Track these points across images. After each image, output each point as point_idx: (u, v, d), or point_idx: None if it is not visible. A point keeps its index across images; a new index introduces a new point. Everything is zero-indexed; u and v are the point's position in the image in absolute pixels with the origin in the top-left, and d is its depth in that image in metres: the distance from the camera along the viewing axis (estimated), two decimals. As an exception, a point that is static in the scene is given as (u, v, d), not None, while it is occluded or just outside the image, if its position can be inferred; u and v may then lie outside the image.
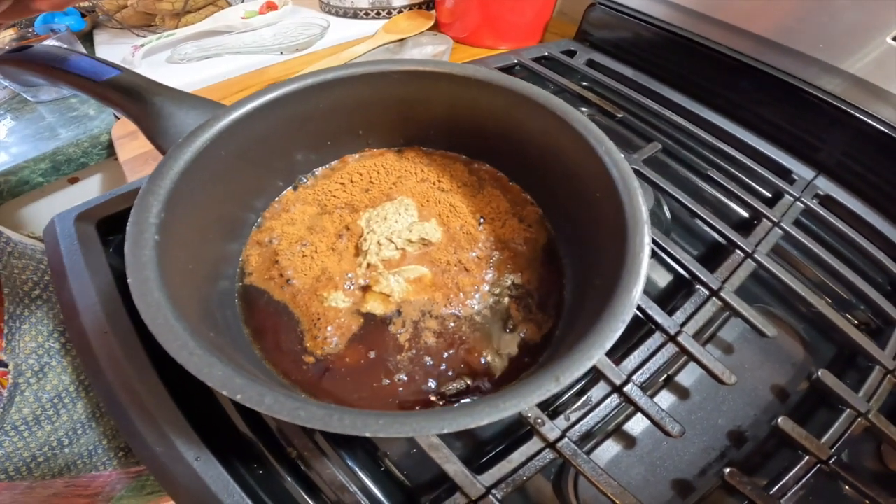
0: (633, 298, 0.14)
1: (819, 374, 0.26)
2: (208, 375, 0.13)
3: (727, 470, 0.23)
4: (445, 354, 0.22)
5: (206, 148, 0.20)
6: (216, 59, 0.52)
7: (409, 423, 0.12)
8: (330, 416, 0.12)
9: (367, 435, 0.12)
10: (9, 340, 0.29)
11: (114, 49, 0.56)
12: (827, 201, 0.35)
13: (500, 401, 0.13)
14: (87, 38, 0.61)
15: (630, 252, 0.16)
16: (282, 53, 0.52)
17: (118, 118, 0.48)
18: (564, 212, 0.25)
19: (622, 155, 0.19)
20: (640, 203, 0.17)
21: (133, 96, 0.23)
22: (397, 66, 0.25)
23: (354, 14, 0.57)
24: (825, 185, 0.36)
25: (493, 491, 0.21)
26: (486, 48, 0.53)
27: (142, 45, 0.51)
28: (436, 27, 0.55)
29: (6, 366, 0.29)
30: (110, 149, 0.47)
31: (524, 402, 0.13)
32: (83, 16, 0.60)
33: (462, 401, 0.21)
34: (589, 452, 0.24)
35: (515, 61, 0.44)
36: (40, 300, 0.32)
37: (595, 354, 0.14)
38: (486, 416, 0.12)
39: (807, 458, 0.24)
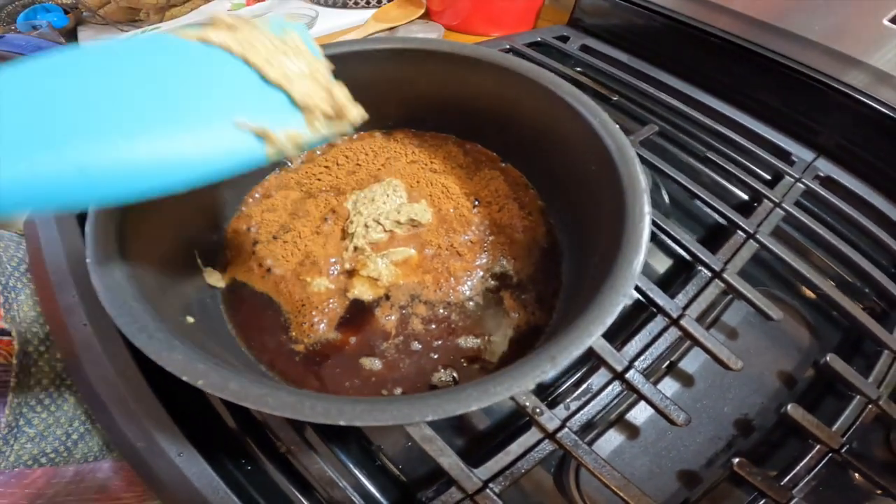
0: (634, 270, 0.13)
1: (827, 358, 0.25)
2: (167, 360, 0.12)
3: (736, 460, 0.22)
4: (436, 343, 0.21)
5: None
6: (202, 52, 0.50)
7: (390, 409, 0.11)
8: (301, 403, 0.11)
9: (342, 423, 0.11)
10: (7, 309, 0.28)
11: (97, 44, 0.55)
12: (828, 183, 0.35)
13: (490, 384, 0.11)
14: (72, 35, 0.59)
15: (629, 222, 0.15)
16: (269, 45, 0.51)
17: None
18: (561, 191, 0.24)
19: (617, 126, 0.18)
20: (637, 172, 0.16)
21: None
22: (382, 44, 0.24)
23: (343, 3, 0.56)
24: (825, 167, 0.35)
25: (491, 484, 0.20)
26: (479, 35, 0.52)
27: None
28: (426, 15, 0.54)
29: (8, 334, 0.28)
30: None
31: (517, 384, 0.11)
32: (66, 12, 0.58)
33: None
34: (591, 443, 0.23)
35: (508, 47, 0.43)
36: (29, 275, 0.31)
37: (595, 331, 0.12)
38: (475, 401, 0.11)
39: (818, 446, 0.22)
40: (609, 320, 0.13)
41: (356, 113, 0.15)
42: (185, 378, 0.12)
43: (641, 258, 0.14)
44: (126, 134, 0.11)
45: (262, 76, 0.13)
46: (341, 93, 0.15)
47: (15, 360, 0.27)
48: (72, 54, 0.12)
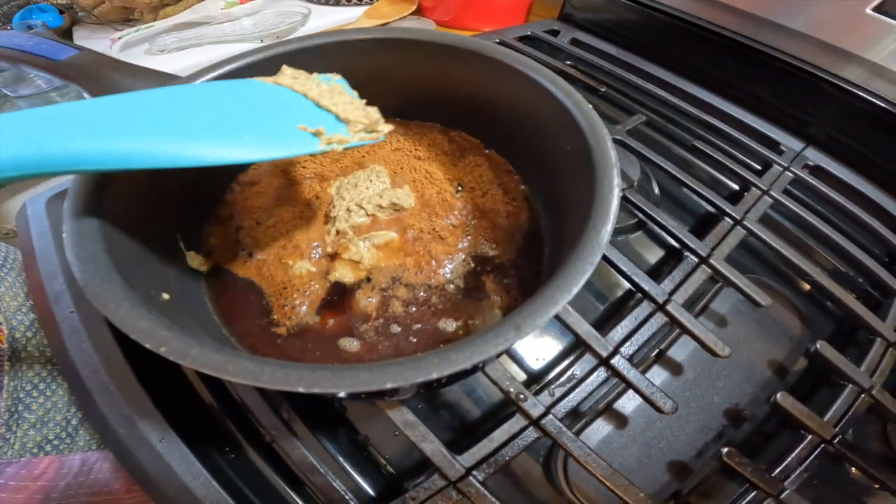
0: (602, 239, 0.13)
1: (818, 345, 0.24)
2: (132, 328, 0.12)
3: (725, 450, 0.21)
4: (416, 326, 0.21)
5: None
6: (196, 49, 0.51)
7: (349, 376, 0.10)
8: (260, 369, 0.11)
9: (301, 390, 0.10)
10: None
11: (93, 44, 0.54)
12: (817, 171, 0.34)
13: (451, 352, 0.11)
14: (67, 36, 0.60)
15: (599, 194, 0.14)
16: (262, 41, 0.52)
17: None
18: (542, 175, 0.24)
19: (591, 106, 0.18)
20: (608, 148, 0.16)
21: (92, 73, 0.23)
22: (362, 34, 0.25)
23: (336, 1, 0.56)
24: (815, 156, 0.35)
25: (474, 472, 0.19)
26: (470, 30, 0.52)
27: (119, 38, 0.50)
28: (418, 11, 0.55)
29: None
30: (88, 140, 0.47)
31: (478, 353, 0.11)
32: (61, 13, 0.59)
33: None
34: (578, 433, 0.22)
35: (498, 41, 0.43)
36: (5, 269, 0.32)
37: (560, 299, 0.12)
38: (436, 368, 0.11)
39: (810, 437, 0.22)
40: (575, 289, 0.12)
41: (385, 126, 0.21)
42: (148, 345, 0.12)
43: (609, 227, 0.14)
44: (229, 132, 0.17)
45: (317, 104, 0.20)
46: (375, 112, 0.21)
47: (6, 343, 0.27)
48: (198, 86, 0.20)
